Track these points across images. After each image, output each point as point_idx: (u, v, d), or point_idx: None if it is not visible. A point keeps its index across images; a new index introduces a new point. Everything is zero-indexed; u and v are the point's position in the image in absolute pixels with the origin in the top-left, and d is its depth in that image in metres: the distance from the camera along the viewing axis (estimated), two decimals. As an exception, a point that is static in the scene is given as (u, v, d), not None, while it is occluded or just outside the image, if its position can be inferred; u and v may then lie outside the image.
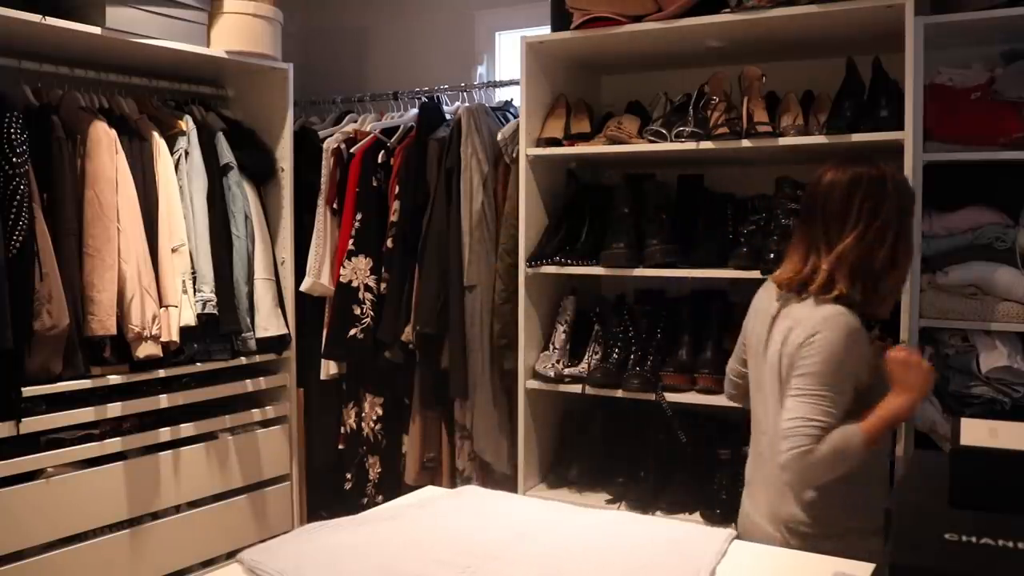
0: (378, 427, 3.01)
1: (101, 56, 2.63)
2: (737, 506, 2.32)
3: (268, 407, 2.97)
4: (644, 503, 2.46)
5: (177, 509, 2.68)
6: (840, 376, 1.64)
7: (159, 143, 2.64)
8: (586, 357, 2.61)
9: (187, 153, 2.71)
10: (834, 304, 1.68)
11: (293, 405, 3.06)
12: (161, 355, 2.52)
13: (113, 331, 2.39)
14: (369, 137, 3.03)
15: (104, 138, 2.45)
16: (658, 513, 2.43)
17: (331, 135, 3.11)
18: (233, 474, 2.83)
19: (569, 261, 2.54)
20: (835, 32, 2.34)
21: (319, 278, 3.01)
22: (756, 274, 2.29)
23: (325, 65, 3.58)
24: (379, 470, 3.03)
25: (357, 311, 2.92)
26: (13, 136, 2.23)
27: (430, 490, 1.83)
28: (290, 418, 3.05)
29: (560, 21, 2.55)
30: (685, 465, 2.51)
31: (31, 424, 2.28)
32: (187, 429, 2.69)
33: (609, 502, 2.53)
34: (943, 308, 2.26)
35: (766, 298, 1.86)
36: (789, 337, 1.70)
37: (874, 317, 1.77)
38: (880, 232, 1.69)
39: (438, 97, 3.08)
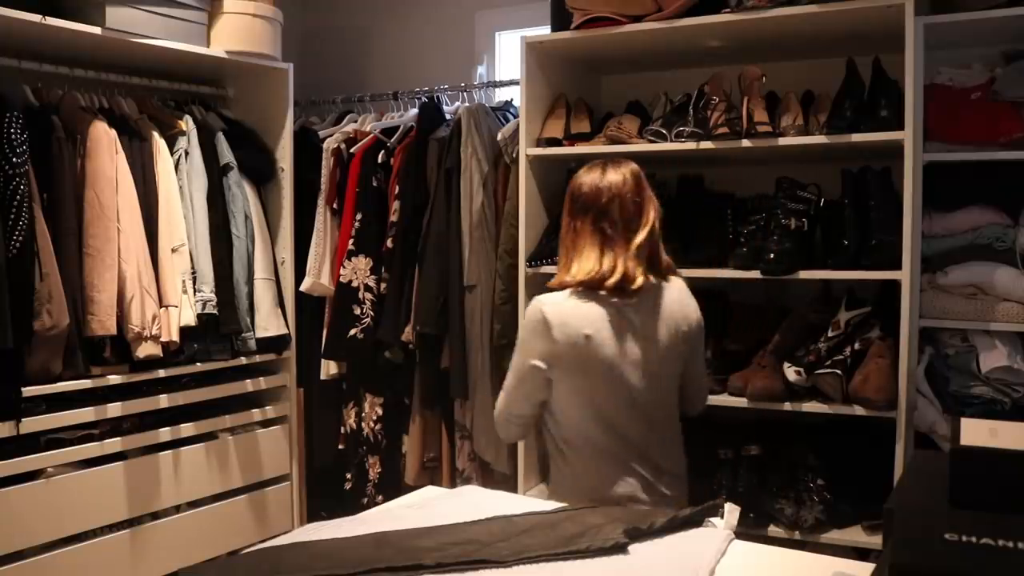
0: (378, 427, 3.01)
1: (101, 56, 2.63)
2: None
3: (268, 407, 2.97)
4: (644, 503, 2.45)
5: (177, 509, 2.68)
6: None
7: (159, 143, 2.64)
8: (586, 357, 2.61)
9: (187, 153, 2.71)
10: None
11: (293, 405, 3.06)
12: (161, 355, 2.52)
13: (113, 331, 2.39)
14: (369, 137, 3.03)
15: (104, 138, 2.45)
16: (658, 513, 2.42)
17: (331, 135, 3.11)
18: (233, 474, 2.83)
19: (569, 261, 2.54)
20: (835, 32, 2.34)
21: (319, 278, 3.01)
22: (756, 274, 2.28)
23: (325, 65, 3.58)
24: (379, 470, 3.03)
25: (357, 311, 2.92)
26: (13, 136, 2.22)
27: (430, 490, 1.83)
28: (290, 418, 3.05)
29: (560, 21, 2.55)
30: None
31: (31, 424, 2.28)
32: (187, 429, 2.68)
33: (609, 502, 2.52)
34: (943, 308, 2.26)
35: None
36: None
37: None
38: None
39: (438, 97, 3.08)
